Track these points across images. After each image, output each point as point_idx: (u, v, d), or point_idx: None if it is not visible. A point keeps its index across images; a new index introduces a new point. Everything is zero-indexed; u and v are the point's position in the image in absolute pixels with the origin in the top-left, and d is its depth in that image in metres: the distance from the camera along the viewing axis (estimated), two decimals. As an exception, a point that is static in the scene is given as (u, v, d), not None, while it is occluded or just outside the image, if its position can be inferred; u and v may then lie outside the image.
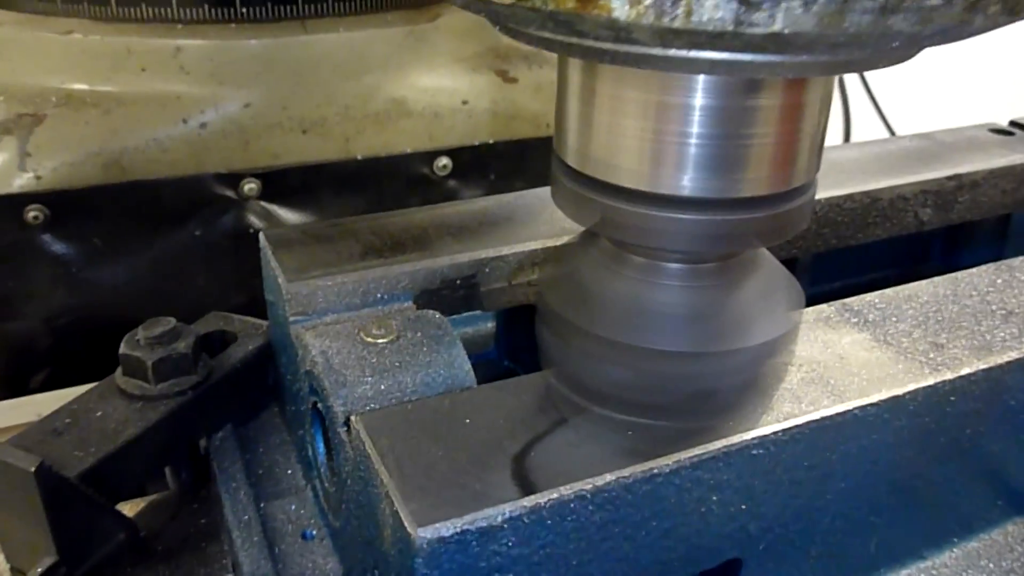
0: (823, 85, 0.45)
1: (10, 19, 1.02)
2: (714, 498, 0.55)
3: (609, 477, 0.51)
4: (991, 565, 0.68)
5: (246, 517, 0.67)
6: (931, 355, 0.62)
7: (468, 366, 0.61)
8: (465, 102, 1.13)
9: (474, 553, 0.48)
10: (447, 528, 0.47)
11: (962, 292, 0.69)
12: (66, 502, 0.61)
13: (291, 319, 0.66)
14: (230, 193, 1.02)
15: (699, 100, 0.44)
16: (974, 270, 0.72)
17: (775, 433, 0.55)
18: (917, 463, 0.63)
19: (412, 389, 0.59)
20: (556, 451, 0.53)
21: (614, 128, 0.47)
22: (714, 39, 0.34)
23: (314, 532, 0.67)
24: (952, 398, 0.61)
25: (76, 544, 0.63)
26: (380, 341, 0.62)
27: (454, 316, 0.70)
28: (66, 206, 0.94)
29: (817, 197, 0.58)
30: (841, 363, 0.61)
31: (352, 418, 0.56)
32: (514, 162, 1.15)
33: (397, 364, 0.60)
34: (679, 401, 0.53)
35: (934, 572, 0.67)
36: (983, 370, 0.61)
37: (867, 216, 0.88)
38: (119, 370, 0.69)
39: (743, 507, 0.56)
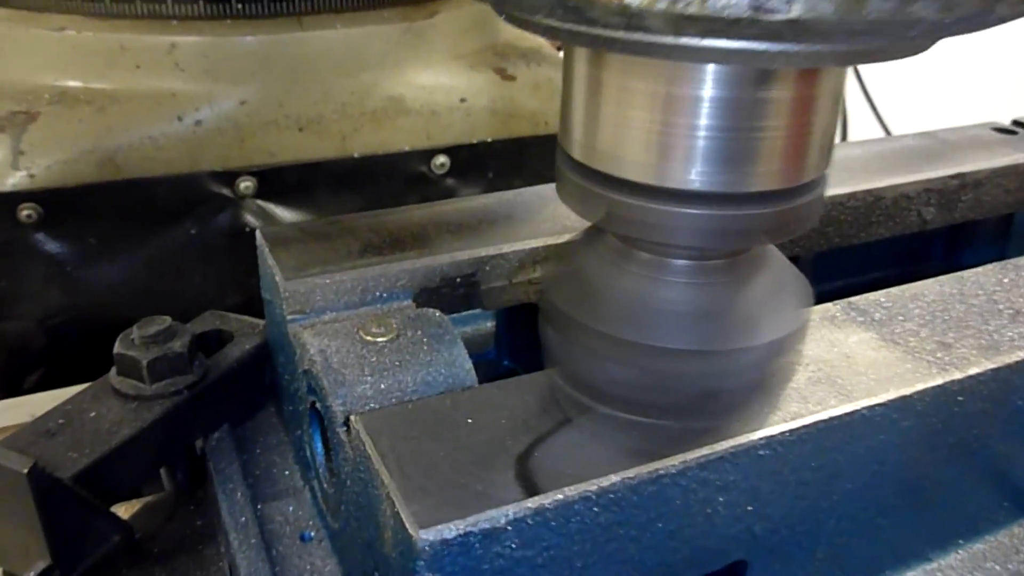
0: (836, 77, 0.44)
1: (3, 16, 1.01)
2: (720, 499, 0.54)
3: (614, 478, 0.50)
4: (996, 567, 0.67)
5: (243, 519, 0.66)
6: (939, 355, 0.61)
7: (469, 365, 0.60)
8: (463, 100, 1.12)
9: (477, 555, 0.47)
10: (449, 530, 0.46)
11: (968, 291, 0.68)
12: (60, 504, 0.60)
13: (289, 318, 0.65)
14: (226, 191, 1.01)
15: (709, 91, 0.43)
16: (979, 269, 0.71)
17: (782, 433, 0.54)
18: (924, 464, 0.62)
19: (412, 388, 0.58)
20: (560, 451, 0.52)
21: (621, 120, 0.46)
22: (729, 26, 0.33)
23: (312, 534, 0.66)
24: (960, 398, 0.60)
25: (70, 547, 0.62)
26: (380, 340, 0.61)
27: (453, 315, 0.69)
28: (60, 205, 0.93)
29: (821, 195, 0.57)
30: (848, 362, 0.60)
31: (352, 418, 0.55)
32: (512, 160, 1.15)
33: (397, 363, 0.59)
34: (685, 400, 0.52)
35: (939, 574, 0.66)
36: (991, 370, 0.61)
37: (870, 215, 0.88)
38: (113, 370, 0.68)
39: (749, 508, 0.56)
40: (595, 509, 0.50)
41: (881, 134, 2.37)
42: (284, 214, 1.04)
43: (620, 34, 0.37)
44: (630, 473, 0.50)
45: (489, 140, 1.13)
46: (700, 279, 0.50)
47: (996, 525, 0.69)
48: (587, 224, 0.55)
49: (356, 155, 1.07)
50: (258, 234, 0.73)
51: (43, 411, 0.66)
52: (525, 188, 0.83)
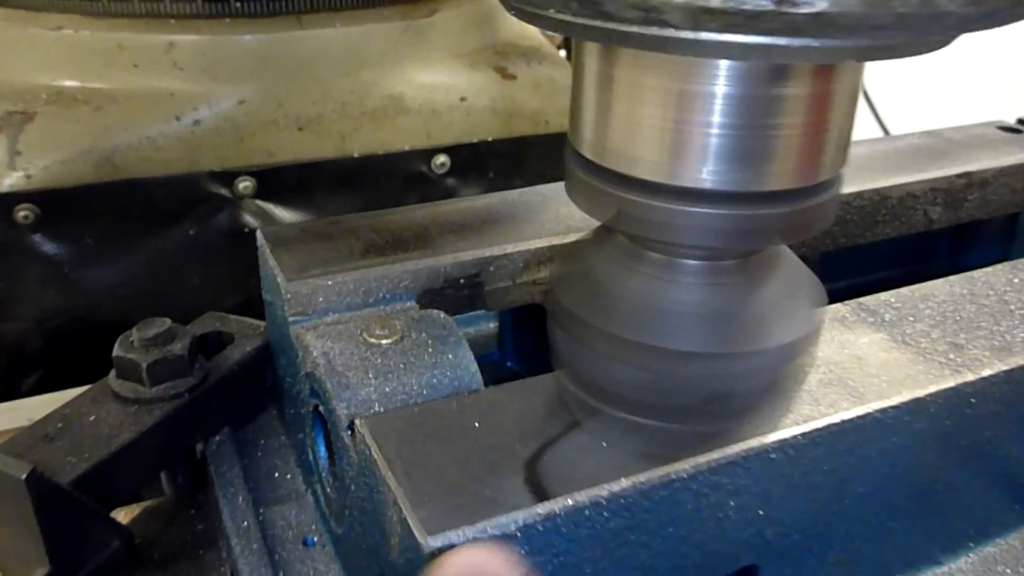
0: (853, 73, 0.44)
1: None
2: (731, 503, 0.53)
3: (625, 483, 0.49)
4: (1008, 571, 0.66)
5: (245, 523, 0.65)
6: (951, 356, 0.60)
7: (475, 367, 0.59)
8: (463, 99, 1.11)
9: (486, 562, 0.46)
10: (458, 537, 0.45)
11: (979, 291, 0.68)
12: (59, 510, 0.59)
13: (291, 319, 0.65)
14: (224, 192, 1.00)
15: (724, 88, 0.42)
16: (989, 269, 0.71)
17: (794, 437, 0.53)
18: (935, 466, 0.62)
19: (417, 391, 0.57)
20: (570, 455, 0.51)
21: (633, 118, 0.45)
22: (751, 20, 0.32)
23: (315, 538, 0.65)
24: (972, 400, 0.59)
25: (69, 553, 0.61)
26: (384, 342, 0.60)
27: (456, 316, 0.68)
28: (57, 205, 0.92)
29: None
30: (859, 364, 0.59)
31: (357, 422, 0.54)
32: (513, 160, 1.14)
33: (401, 366, 0.58)
34: (696, 403, 0.51)
35: (949, 578, 0.66)
36: (1004, 372, 0.60)
37: (876, 214, 0.87)
38: (113, 373, 0.67)
39: (760, 512, 0.55)
40: (606, 514, 0.49)
41: (879, 133, 2.36)
42: (283, 214, 1.04)
43: (636, 29, 0.36)
44: (641, 477, 0.49)
45: (490, 139, 1.12)
46: (712, 280, 0.50)
47: (1007, 528, 0.68)
48: (591, 224, 0.54)
49: (356, 155, 1.06)
50: (259, 235, 0.72)
51: (41, 415, 0.65)
52: (528, 188, 0.82)
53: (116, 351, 0.67)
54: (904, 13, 0.30)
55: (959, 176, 0.89)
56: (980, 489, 0.65)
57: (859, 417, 0.55)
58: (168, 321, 0.68)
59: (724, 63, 0.41)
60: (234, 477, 0.69)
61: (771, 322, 0.50)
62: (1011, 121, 1.04)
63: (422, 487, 0.48)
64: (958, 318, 0.64)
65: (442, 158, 1.09)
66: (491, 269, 0.70)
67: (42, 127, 0.94)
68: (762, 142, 0.44)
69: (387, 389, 0.57)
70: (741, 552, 0.56)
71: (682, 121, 0.43)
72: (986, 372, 0.59)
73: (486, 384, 0.60)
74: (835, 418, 0.54)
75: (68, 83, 0.98)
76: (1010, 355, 0.61)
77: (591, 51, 0.45)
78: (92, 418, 0.65)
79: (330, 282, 0.65)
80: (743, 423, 0.53)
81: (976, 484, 0.65)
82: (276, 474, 0.72)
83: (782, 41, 0.35)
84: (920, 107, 2.19)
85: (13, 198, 0.90)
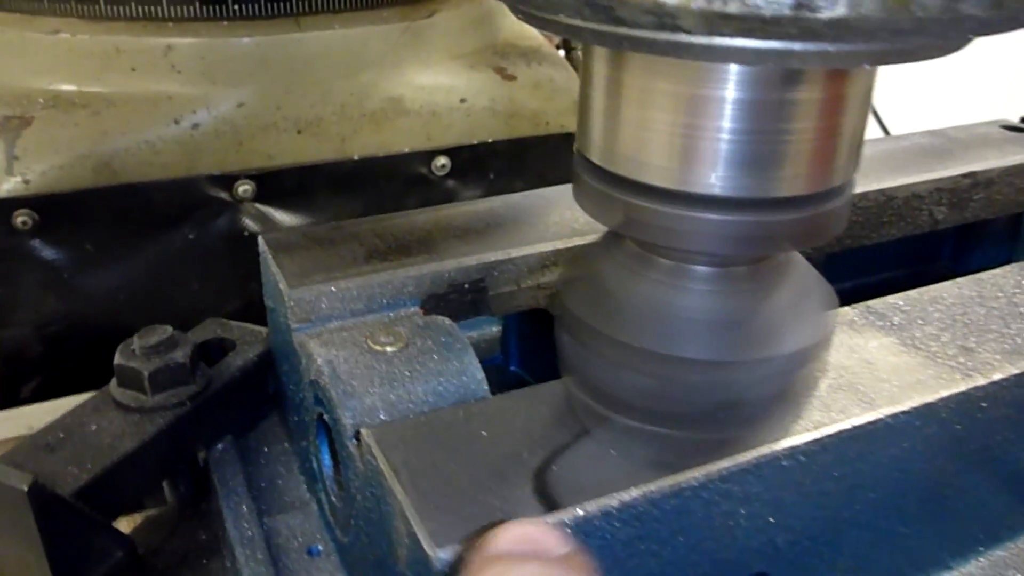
0: (866, 77, 0.43)
1: (-5, 19, 0.99)
2: (742, 511, 0.53)
3: (635, 492, 0.48)
4: (1018, 575, 0.65)
5: (249, 532, 0.64)
6: (961, 360, 0.60)
7: (481, 375, 0.59)
8: (463, 100, 1.11)
9: (496, 574, 0.46)
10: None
11: (988, 294, 0.67)
12: (61, 521, 0.58)
13: (294, 327, 0.64)
14: (224, 195, 0.99)
15: (735, 93, 0.41)
16: (998, 271, 0.70)
17: (805, 443, 0.53)
18: (946, 471, 0.61)
19: (423, 400, 0.57)
20: (579, 464, 0.50)
21: (642, 123, 0.44)
22: (768, 25, 0.31)
23: (320, 548, 0.65)
24: (984, 404, 0.59)
25: (72, 564, 0.60)
26: (388, 349, 0.60)
27: (459, 321, 0.67)
28: (56, 210, 0.92)
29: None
30: (869, 369, 0.59)
31: (362, 431, 0.53)
32: (514, 161, 1.13)
33: (407, 373, 0.58)
34: (706, 411, 0.51)
35: (959, 582, 0.65)
36: (1015, 375, 0.59)
37: (882, 215, 0.86)
38: (114, 381, 0.67)
39: (771, 520, 0.54)
40: (616, 524, 0.48)
41: (879, 133, 2.36)
42: (283, 218, 1.03)
43: (649, 34, 0.35)
44: (652, 486, 0.49)
45: (490, 140, 1.12)
46: (722, 286, 0.49)
47: (1017, 531, 0.68)
48: (595, 227, 0.54)
49: (355, 157, 1.05)
50: (261, 240, 0.72)
51: (41, 422, 0.65)
52: (531, 191, 0.81)
53: (117, 359, 0.66)
54: (924, 18, 0.30)
55: (964, 176, 0.89)
56: (990, 493, 0.65)
57: (870, 423, 0.54)
58: (169, 329, 0.68)
59: (735, 67, 0.40)
60: (237, 485, 0.68)
61: (782, 329, 0.49)
62: (1014, 120, 1.03)
63: (430, 498, 0.48)
64: (967, 321, 0.64)
65: (442, 160, 1.08)
66: (495, 274, 0.70)
67: (40, 132, 0.93)
68: (773, 147, 0.43)
69: (392, 397, 0.56)
70: (752, 560, 0.55)
71: (692, 126, 0.43)
72: (997, 376, 0.59)
73: (491, 388, 0.59)
74: (846, 424, 0.54)
75: (66, 87, 0.97)
76: (1020, 358, 0.60)
77: (600, 55, 0.45)
78: (94, 427, 0.64)
79: (333, 288, 0.64)
80: (753, 430, 0.52)
81: (986, 488, 0.64)
82: (280, 482, 0.71)
83: (797, 46, 0.34)
84: (919, 106, 2.18)
85: (11, 204, 0.90)
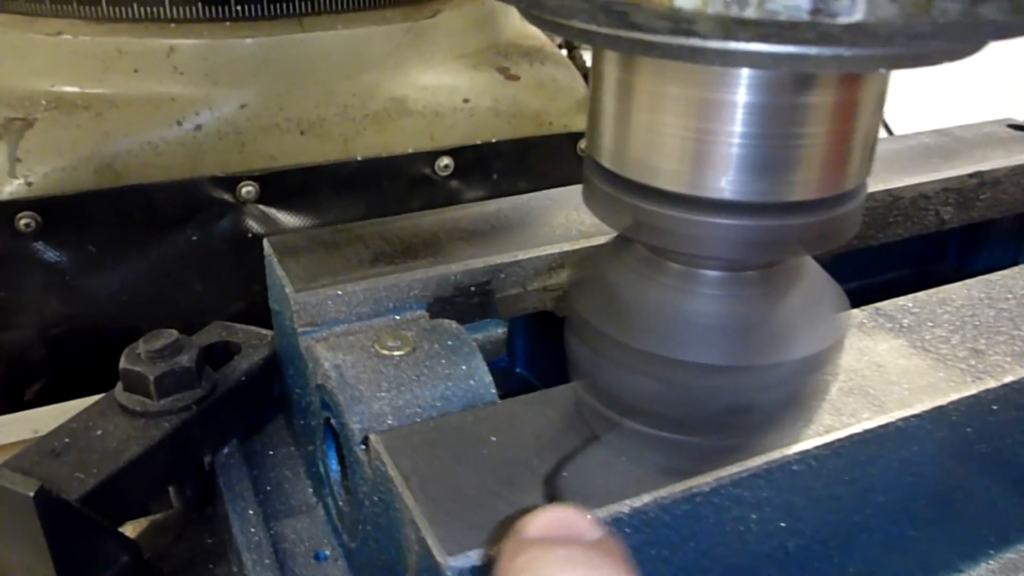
0: (880, 80, 0.43)
1: (-3, 20, 0.99)
2: (753, 516, 0.52)
3: (646, 498, 0.48)
4: (1028, 577, 0.65)
5: (256, 537, 0.64)
6: (971, 362, 0.60)
7: (489, 379, 0.58)
8: (466, 100, 1.10)
9: (507, 581, 0.45)
10: (479, 556, 0.45)
11: (997, 295, 0.67)
12: (67, 527, 0.58)
13: (300, 330, 0.64)
14: (227, 197, 0.99)
15: (748, 97, 0.40)
16: (1007, 272, 0.70)
17: (816, 448, 0.52)
18: (956, 474, 0.61)
19: (431, 404, 0.56)
20: (589, 470, 0.50)
21: (653, 127, 0.44)
22: (785, 30, 0.31)
23: (328, 552, 0.64)
24: (994, 407, 0.58)
25: (78, 569, 0.60)
26: (396, 353, 0.60)
27: (465, 324, 0.67)
28: (58, 213, 0.91)
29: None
30: (879, 372, 0.58)
31: (371, 437, 0.53)
32: (517, 161, 1.13)
33: (415, 378, 0.57)
34: (717, 416, 0.50)
35: (969, 584, 0.65)
36: (1026, 377, 0.59)
37: (888, 215, 0.86)
38: (119, 385, 0.66)
39: (782, 525, 0.54)
40: (627, 530, 0.48)
41: (882, 133, 2.35)
42: (287, 219, 1.02)
43: (663, 38, 0.35)
44: (662, 492, 0.48)
45: (493, 141, 1.11)
46: (733, 291, 0.48)
47: (1026, 534, 0.67)
48: (601, 229, 0.53)
49: (359, 158, 1.05)
50: (266, 244, 0.71)
51: (46, 425, 0.65)
52: (537, 192, 0.81)
53: (123, 364, 0.66)
54: (944, 22, 0.29)
55: (971, 176, 0.88)
56: (1000, 495, 0.65)
57: (881, 427, 0.54)
58: (175, 332, 0.67)
59: (748, 71, 0.40)
60: (244, 490, 0.68)
61: (793, 334, 0.49)
62: (1020, 119, 1.03)
63: (440, 504, 0.47)
64: (977, 323, 0.64)
65: (446, 160, 1.08)
66: (502, 276, 0.69)
67: (42, 134, 0.92)
68: (785, 152, 0.42)
69: (400, 402, 0.56)
70: (762, 565, 0.55)
71: (703, 130, 0.42)
72: (1008, 378, 0.58)
73: (497, 391, 0.59)
74: (857, 428, 0.54)
75: (68, 89, 0.96)
76: (1031, 360, 0.60)
77: (610, 59, 0.44)
78: (99, 432, 0.64)
79: (339, 292, 0.64)
80: (764, 435, 0.52)
81: (996, 490, 0.64)
82: (286, 485, 0.71)
83: (813, 50, 0.34)
84: (920, 106, 2.18)
85: (14, 206, 0.89)
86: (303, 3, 1.02)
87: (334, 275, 0.66)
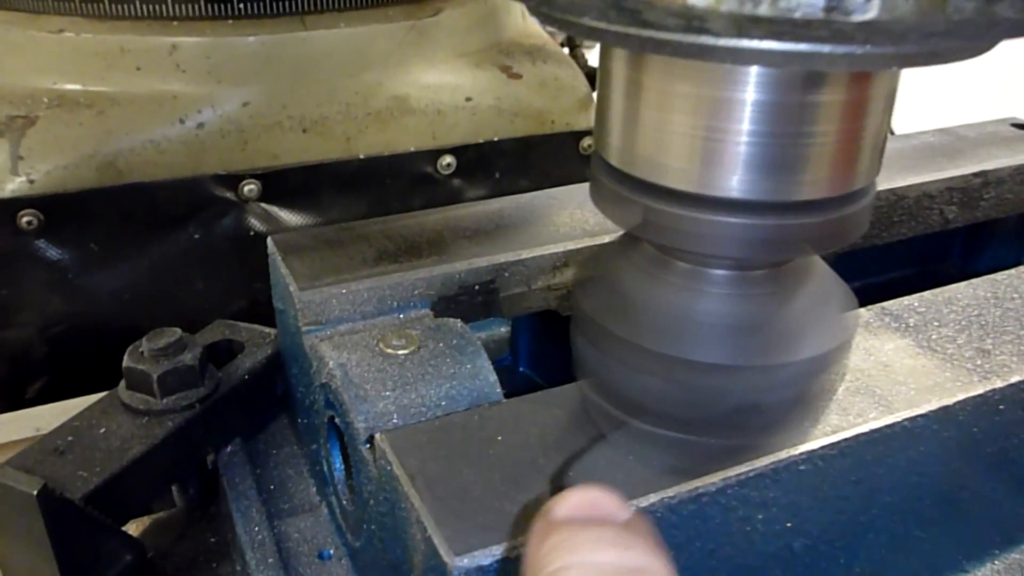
0: (890, 78, 0.42)
1: (0, 18, 0.98)
2: (760, 516, 0.52)
3: (653, 498, 0.48)
4: (1034, 577, 0.65)
5: (260, 536, 0.64)
6: (978, 362, 0.59)
7: (494, 378, 0.58)
8: (469, 99, 1.10)
9: (513, 582, 0.45)
10: (485, 556, 0.44)
11: (1003, 295, 0.67)
12: (70, 525, 0.58)
13: (304, 329, 0.63)
14: (229, 195, 0.98)
15: (757, 95, 0.40)
16: (1013, 271, 0.70)
17: (823, 448, 0.52)
18: (963, 474, 0.61)
19: (436, 403, 0.56)
20: (595, 469, 0.50)
21: (662, 125, 0.44)
22: (797, 28, 0.30)
23: (331, 551, 0.64)
24: (1001, 407, 0.58)
25: (81, 568, 0.60)
26: (400, 352, 0.59)
27: (469, 322, 0.67)
28: (61, 210, 0.91)
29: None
30: (886, 372, 0.58)
31: (377, 436, 0.53)
32: (519, 160, 1.12)
33: (420, 376, 0.57)
34: (724, 416, 0.50)
35: (973, 584, 0.65)
36: (1033, 377, 0.59)
37: (892, 215, 0.86)
38: (122, 384, 0.66)
39: (788, 525, 0.54)
40: (633, 530, 0.48)
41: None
42: (289, 217, 1.02)
43: (674, 36, 0.35)
44: (669, 492, 0.48)
45: (495, 139, 1.11)
46: (740, 290, 0.48)
47: (1032, 534, 0.67)
48: (606, 228, 0.53)
49: (361, 156, 1.04)
50: (270, 242, 0.71)
51: (47, 424, 0.64)
52: (541, 191, 0.81)
53: (126, 362, 0.66)
54: (959, 20, 0.29)
55: (975, 175, 0.88)
56: (1007, 495, 0.64)
57: (888, 427, 0.54)
58: (178, 331, 0.67)
59: (757, 69, 0.40)
60: (247, 488, 0.68)
61: (801, 333, 0.49)
62: (1022, 118, 1.03)
63: (446, 504, 0.47)
64: (983, 322, 0.63)
65: (448, 159, 1.08)
66: (506, 275, 0.69)
67: (44, 131, 0.92)
68: (794, 150, 0.42)
69: (405, 401, 0.56)
70: (768, 565, 0.55)
71: (712, 129, 0.42)
72: (1015, 378, 0.58)
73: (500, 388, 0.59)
74: (864, 428, 0.53)
75: (70, 86, 0.96)
76: (1038, 360, 0.60)
77: (619, 57, 0.44)
78: (102, 430, 0.63)
79: (344, 290, 0.64)
80: (771, 435, 0.52)
81: (1003, 490, 0.64)
82: (289, 484, 0.70)
83: (825, 48, 0.33)
84: (922, 104, 2.18)
85: (16, 204, 0.89)
86: (306, 1, 1.02)
87: (338, 273, 0.66)
